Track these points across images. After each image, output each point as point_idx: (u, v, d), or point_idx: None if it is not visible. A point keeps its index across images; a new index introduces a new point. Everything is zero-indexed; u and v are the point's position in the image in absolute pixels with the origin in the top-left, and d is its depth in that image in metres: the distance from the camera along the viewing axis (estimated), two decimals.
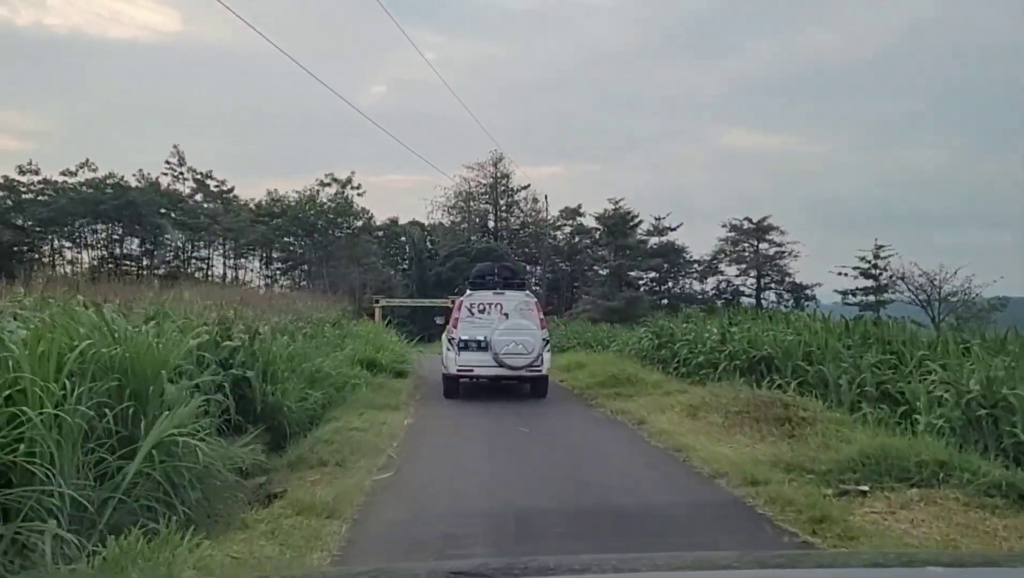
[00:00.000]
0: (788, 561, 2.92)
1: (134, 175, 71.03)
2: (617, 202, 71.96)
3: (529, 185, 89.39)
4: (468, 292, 16.97)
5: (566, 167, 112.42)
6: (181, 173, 72.14)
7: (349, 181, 74.10)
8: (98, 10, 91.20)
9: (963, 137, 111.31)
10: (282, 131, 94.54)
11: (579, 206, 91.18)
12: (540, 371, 15.95)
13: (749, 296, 73.89)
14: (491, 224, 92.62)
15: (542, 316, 16.47)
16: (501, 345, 15.59)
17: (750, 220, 75.23)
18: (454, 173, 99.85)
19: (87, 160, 65.40)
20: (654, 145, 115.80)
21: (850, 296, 64.59)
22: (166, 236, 64.83)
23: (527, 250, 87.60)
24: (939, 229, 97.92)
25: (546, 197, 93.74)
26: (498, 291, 16.56)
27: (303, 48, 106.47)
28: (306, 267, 79.44)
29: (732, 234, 76.12)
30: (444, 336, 17.45)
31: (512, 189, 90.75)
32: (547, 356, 16.15)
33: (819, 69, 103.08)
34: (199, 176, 72.90)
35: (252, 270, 77.95)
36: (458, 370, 16.04)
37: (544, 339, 16.02)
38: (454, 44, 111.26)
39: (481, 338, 15.82)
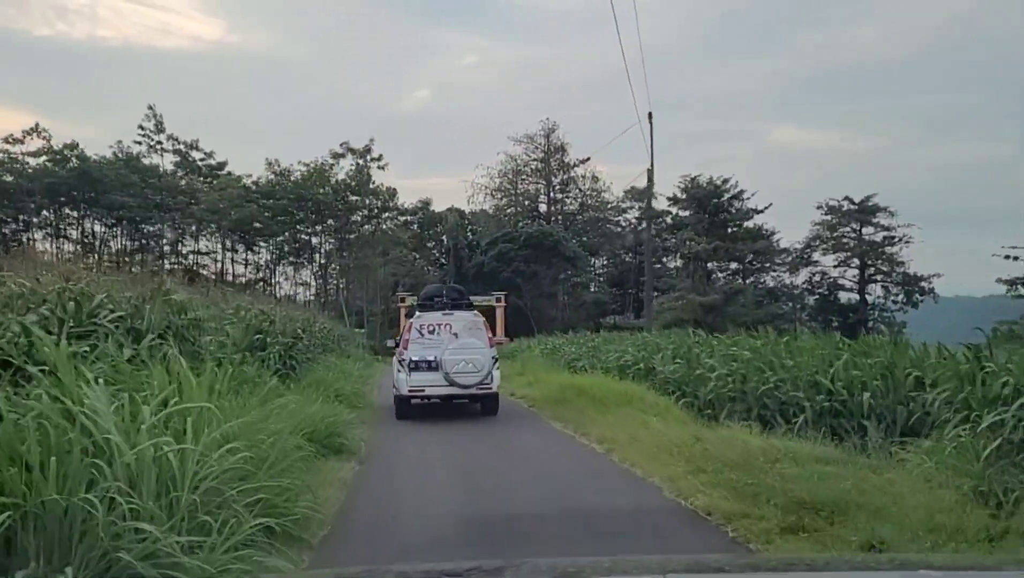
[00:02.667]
0: (780, 565, 2.79)
1: (111, 147, 56.08)
2: (694, 178, 54.83)
3: (588, 159, 72.39)
4: (417, 313, 16.57)
5: (608, 168, 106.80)
6: (159, 143, 57.06)
7: (368, 151, 58.20)
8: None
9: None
10: (322, 136, 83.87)
11: (650, 185, 73.80)
12: (490, 388, 15.60)
13: (850, 290, 61.47)
14: (542, 207, 75.97)
15: (490, 335, 16.52)
16: (451, 364, 15.16)
17: (851, 200, 60.09)
18: (499, 150, 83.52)
19: (36, 125, 50.53)
20: (700, 144, 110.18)
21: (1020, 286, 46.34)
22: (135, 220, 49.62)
23: (585, 239, 70.40)
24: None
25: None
26: (447, 312, 16.16)
27: (346, 54, 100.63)
28: (319, 258, 63.74)
29: (829, 217, 60.88)
30: (395, 357, 16.85)
31: (568, 164, 73.90)
32: (496, 373, 15.84)
33: (864, 64, 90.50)
34: (181, 146, 57.74)
35: (245, 262, 62.70)
36: (409, 390, 15.48)
37: (493, 357, 15.80)
38: (497, 46, 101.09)
39: (431, 358, 15.29)
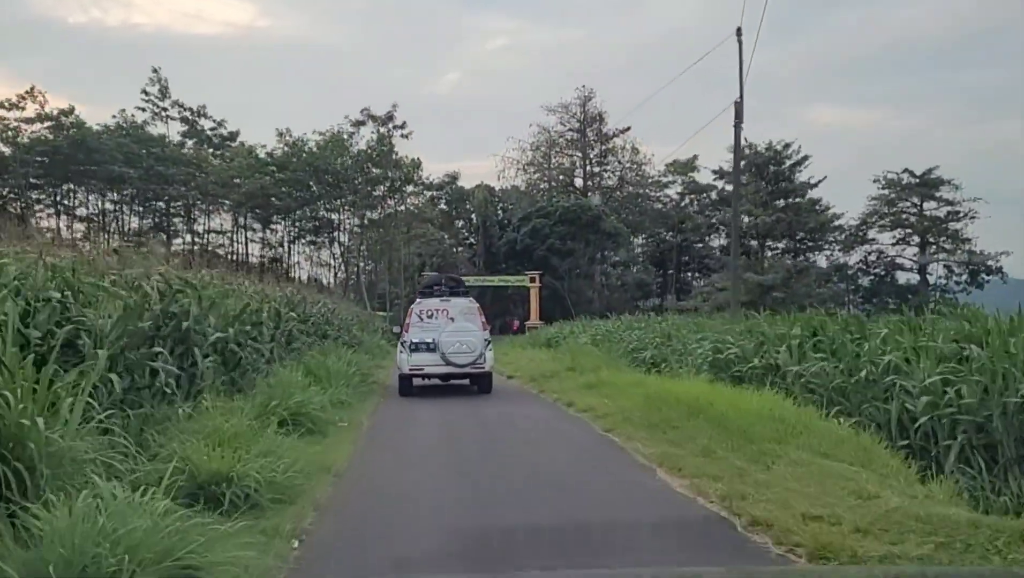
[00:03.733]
0: (777, 576, 2.81)
1: (114, 116, 51.02)
2: (751, 143, 48.44)
3: (629, 128, 66.10)
4: (418, 300, 17.86)
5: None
6: (163, 109, 51.77)
7: (391, 118, 52.52)
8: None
9: None
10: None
11: (694, 158, 67.73)
12: (483, 368, 16.47)
13: (909, 270, 57.23)
14: (578, 181, 69.93)
15: (483, 320, 17.22)
16: (448, 345, 16.08)
17: (911, 173, 54.92)
18: (531, 121, 77.59)
19: (32, 89, 45.51)
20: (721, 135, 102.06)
21: None
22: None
23: (624, 216, 64.18)
24: None
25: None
26: (444, 298, 17.34)
27: (378, 38, 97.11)
28: (340, 238, 58.39)
29: (887, 192, 55.54)
30: (399, 341, 17.70)
31: (606, 135, 67.66)
32: (489, 354, 16.68)
33: (905, 41, 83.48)
34: (188, 113, 52.45)
35: (262, 242, 57.53)
36: (410, 369, 16.41)
37: (486, 339, 16.66)
38: (528, 28, 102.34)
39: (430, 340, 16.22)
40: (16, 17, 74.91)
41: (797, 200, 49.03)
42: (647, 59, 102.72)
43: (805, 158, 47.88)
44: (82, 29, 78.36)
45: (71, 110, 45.82)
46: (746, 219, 48.20)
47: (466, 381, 16.37)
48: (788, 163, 48.15)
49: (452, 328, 16.21)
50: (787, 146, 47.84)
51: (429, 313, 16.67)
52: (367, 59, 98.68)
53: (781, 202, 48.90)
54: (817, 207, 53.53)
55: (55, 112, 45.42)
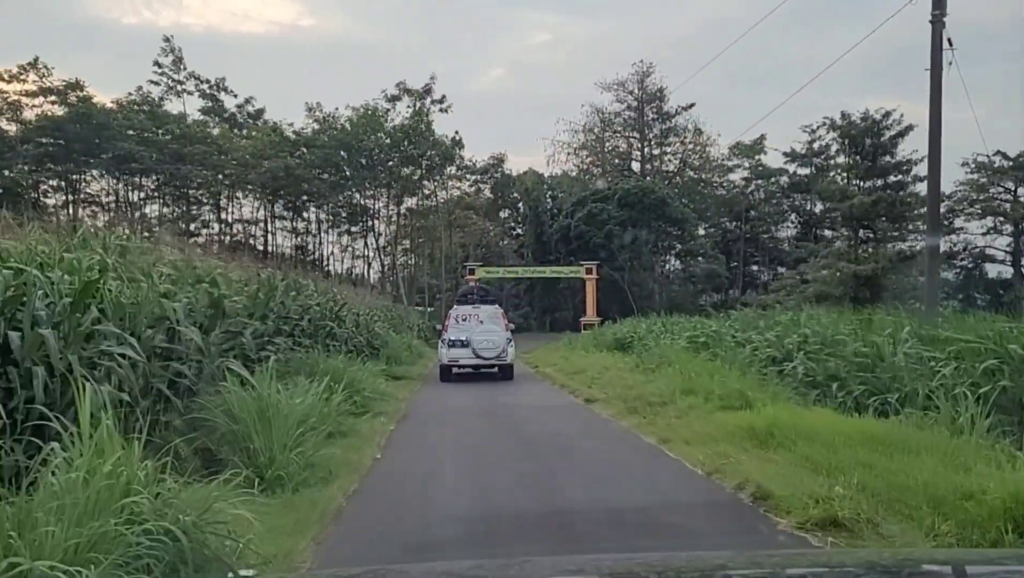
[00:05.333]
0: (784, 561, 2.63)
1: (131, 93, 45.71)
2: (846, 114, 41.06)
3: (693, 105, 59.02)
4: (455, 306, 21.47)
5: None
6: (178, 82, 46.23)
7: (429, 92, 46.37)
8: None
9: None
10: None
11: (761, 138, 60.55)
12: (505, 360, 19.41)
13: (1001, 262, 51.22)
14: (635, 165, 62.96)
15: (506, 322, 20.50)
16: (477, 342, 19.15)
17: (1005, 155, 47.32)
18: (584, 101, 70.99)
19: (35, 60, 40.32)
20: (779, 120, 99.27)
21: None
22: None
23: (686, 202, 56.91)
24: None
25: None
26: (476, 305, 20.76)
27: (419, 35, 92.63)
28: (376, 227, 52.50)
29: (976, 176, 48.83)
30: (439, 339, 20.97)
31: (667, 113, 60.63)
32: (511, 349, 19.64)
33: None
34: (206, 86, 46.86)
35: (294, 232, 51.80)
36: (448, 361, 19.50)
37: (508, 338, 19.65)
38: (569, 22, 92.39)
39: (464, 338, 19.27)
40: (73, 17, 72.64)
41: (899, 177, 41.47)
42: (692, 49, 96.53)
43: (909, 128, 40.25)
44: (135, 30, 75.96)
45: (77, 83, 40.55)
46: (842, 197, 40.88)
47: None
48: (888, 134, 40.60)
49: (481, 329, 19.42)
50: (887, 115, 40.30)
51: (463, 317, 20.06)
52: (408, 56, 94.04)
53: (879, 181, 41.38)
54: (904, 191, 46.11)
55: (60, 86, 40.18)
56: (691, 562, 2.41)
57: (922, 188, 45.19)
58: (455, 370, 19.21)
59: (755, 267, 66.85)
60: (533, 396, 14.40)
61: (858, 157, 40.94)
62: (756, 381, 11.34)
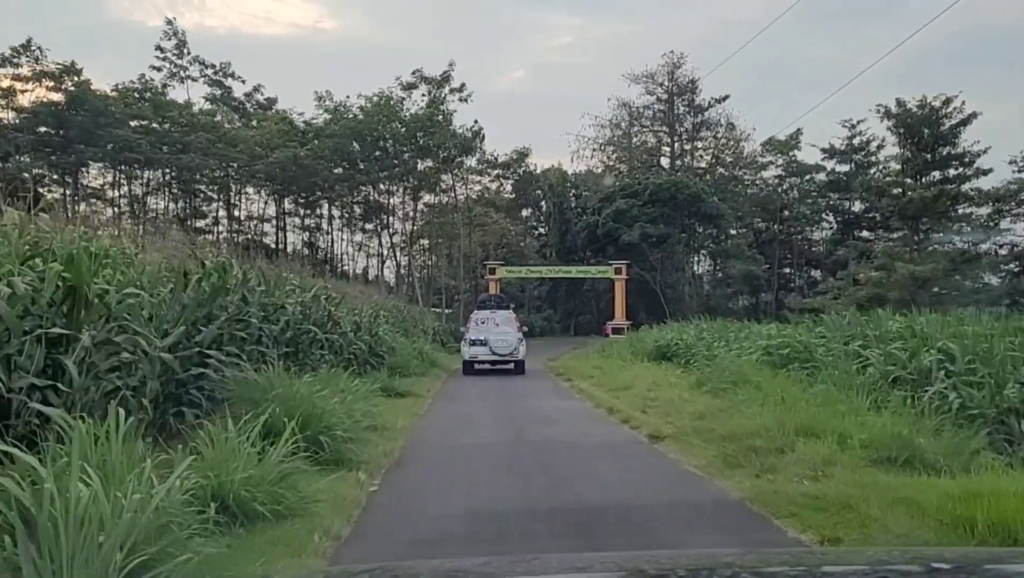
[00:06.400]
0: (792, 559, 2.55)
1: (135, 82, 42.71)
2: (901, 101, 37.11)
3: (727, 97, 55.32)
4: (476, 311, 24.95)
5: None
6: (182, 68, 43.10)
7: (447, 79, 42.95)
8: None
9: None
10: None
11: (797, 132, 56.74)
12: (517, 357, 22.33)
13: None
14: (664, 161, 59.19)
15: (519, 324, 23.62)
16: (494, 342, 22.20)
17: None
18: (610, 95, 67.50)
19: (29, 42, 37.37)
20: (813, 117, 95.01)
21: None
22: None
23: (719, 199, 53.01)
24: None
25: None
26: (493, 310, 24.01)
27: (440, 37, 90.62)
28: (392, 224, 49.19)
29: None
30: (462, 339, 24.57)
31: (699, 106, 56.90)
32: (522, 347, 22.53)
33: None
34: (212, 72, 43.69)
35: (306, 229, 48.50)
36: (469, 357, 22.64)
37: (519, 337, 22.61)
38: (591, 23, 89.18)
39: (483, 338, 22.41)
40: (99, 20, 71.00)
41: (961, 170, 37.50)
42: (716, 51, 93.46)
43: (972, 116, 36.28)
44: (159, 32, 75.23)
45: (73, 67, 37.50)
46: (899, 191, 37.07)
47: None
48: (948, 124, 36.65)
49: (497, 330, 22.35)
50: (947, 102, 36.33)
51: (482, 320, 23.07)
52: (429, 59, 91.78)
53: (937, 174, 37.50)
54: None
55: (55, 70, 37.14)
56: (699, 560, 2.36)
57: (985, 182, 41.55)
58: (476, 366, 22.19)
59: (787, 269, 63.03)
60: (576, 426, 10.83)
61: (915, 149, 37.04)
62: (907, 419, 7.77)
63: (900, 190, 37.24)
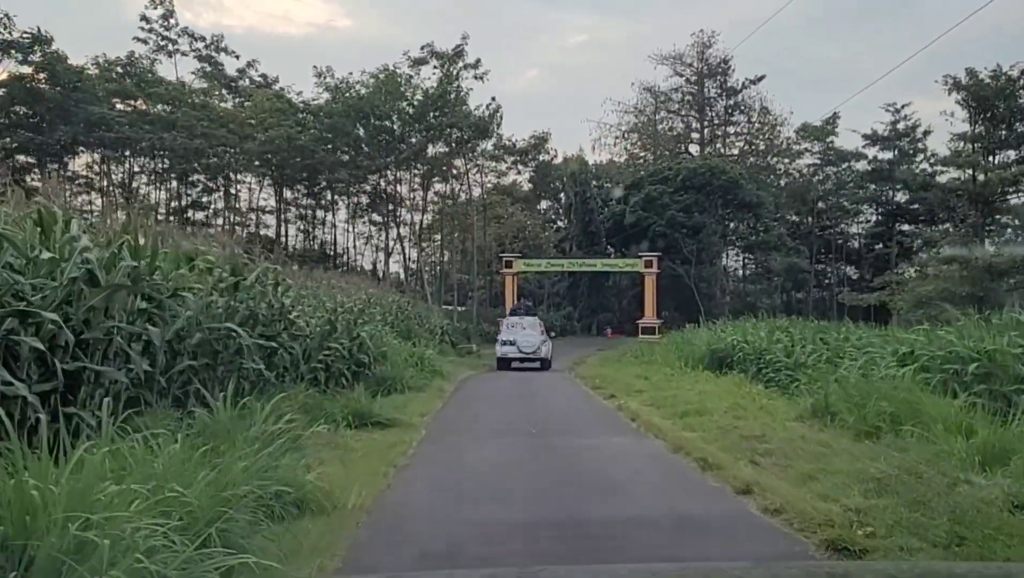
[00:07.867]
0: (802, 573, 2.61)
1: (118, 57, 38.68)
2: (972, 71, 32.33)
3: (763, 78, 50.66)
4: (508, 316, 29.71)
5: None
6: (170, 40, 38.97)
7: (460, 54, 38.60)
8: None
9: None
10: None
11: (834, 118, 52.04)
12: (541, 355, 24.61)
13: None
14: (693, 149, 54.54)
15: (543, 328, 26.88)
16: (521, 342, 24.81)
17: None
18: (634, 79, 63.01)
19: (6, 15, 33.27)
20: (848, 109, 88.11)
21: None
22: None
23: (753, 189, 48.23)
24: None
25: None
26: (521, 316, 27.67)
27: (456, 35, 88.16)
28: (401, 215, 44.91)
29: None
30: (497, 340, 27.02)
31: (732, 88, 52.24)
32: (545, 347, 25.07)
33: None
34: (202, 45, 39.53)
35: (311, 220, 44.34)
36: (501, 354, 25.13)
37: (543, 340, 25.35)
38: (606, 23, 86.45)
39: (512, 339, 25.12)
40: (117, 20, 69.30)
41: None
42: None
43: None
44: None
45: (43, 36, 33.26)
46: (968, 174, 32.33)
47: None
48: None
49: (524, 333, 25.14)
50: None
51: (512, 325, 26.37)
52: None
53: (1012, 153, 32.78)
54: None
55: (23, 39, 33.03)
56: (708, 574, 2.35)
57: None
58: (511, 363, 24.46)
59: (818, 265, 58.26)
60: (663, 497, 6.36)
61: (986, 121, 32.30)
62: None
63: (971, 171, 32.48)
